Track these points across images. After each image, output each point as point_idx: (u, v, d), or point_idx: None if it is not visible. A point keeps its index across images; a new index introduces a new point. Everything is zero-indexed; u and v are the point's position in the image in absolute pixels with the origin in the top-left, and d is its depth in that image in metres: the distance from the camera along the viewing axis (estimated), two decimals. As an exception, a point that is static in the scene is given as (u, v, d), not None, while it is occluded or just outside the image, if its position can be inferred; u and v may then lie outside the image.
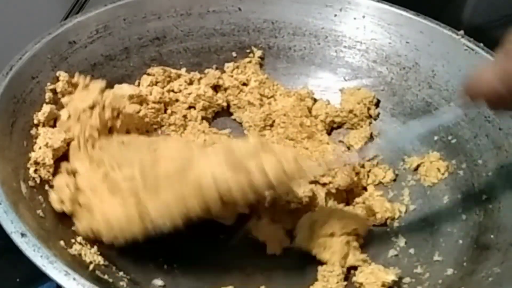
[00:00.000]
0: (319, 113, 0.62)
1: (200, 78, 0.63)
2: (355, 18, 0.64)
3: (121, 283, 0.45)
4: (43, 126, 0.51)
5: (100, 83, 0.57)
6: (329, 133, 0.63)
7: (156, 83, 0.61)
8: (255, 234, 0.53)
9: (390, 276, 0.48)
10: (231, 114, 0.64)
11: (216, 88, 0.64)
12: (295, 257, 0.52)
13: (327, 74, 0.65)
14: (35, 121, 0.51)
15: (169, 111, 0.61)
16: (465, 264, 0.48)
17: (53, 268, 0.39)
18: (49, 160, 0.49)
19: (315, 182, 0.55)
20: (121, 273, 0.46)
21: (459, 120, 0.57)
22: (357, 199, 0.57)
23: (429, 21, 0.61)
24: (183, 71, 0.63)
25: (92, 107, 0.54)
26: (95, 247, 0.46)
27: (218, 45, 0.65)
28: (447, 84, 0.59)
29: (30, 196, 0.46)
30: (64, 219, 0.48)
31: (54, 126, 0.52)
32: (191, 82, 0.63)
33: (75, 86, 0.56)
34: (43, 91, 0.53)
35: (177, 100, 0.62)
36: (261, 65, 0.66)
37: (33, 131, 0.50)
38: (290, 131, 0.61)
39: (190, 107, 0.62)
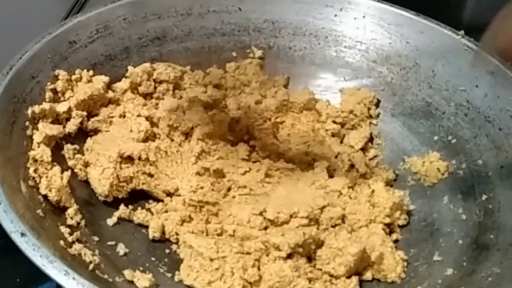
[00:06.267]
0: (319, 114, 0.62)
1: (204, 76, 0.63)
2: (355, 18, 0.64)
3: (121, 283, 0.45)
4: (40, 120, 0.51)
5: (103, 78, 0.57)
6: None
7: (159, 80, 0.61)
8: None
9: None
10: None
11: (217, 87, 0.63)
12: None
13: (327, 74, 0.65)
14: (30, 115, 0.50)
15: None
16: (465, 264, 0.48)
17: (52, 268, 0.39)
18: (47, 157, 0.49)
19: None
20: (121, 273, 0.46)
21: (459, 120, 0.57)
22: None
23: (429, 21, 0.61)
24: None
25: (92, 98, 0.55)
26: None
27: (218, 45, 0.65)
28: (447, 84, 0.59)
29: (30, 196, 0.46)
30: (64, 219, 0.48)
31: (52, 122, 0.52)
32: (194, 81, 0.63)
33: (76, 81, 0.56)
34: (43, 90, 0.53)
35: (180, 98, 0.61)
36: (261, 66, 0.66)
37: (32, 131, 0.50)
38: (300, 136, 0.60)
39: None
